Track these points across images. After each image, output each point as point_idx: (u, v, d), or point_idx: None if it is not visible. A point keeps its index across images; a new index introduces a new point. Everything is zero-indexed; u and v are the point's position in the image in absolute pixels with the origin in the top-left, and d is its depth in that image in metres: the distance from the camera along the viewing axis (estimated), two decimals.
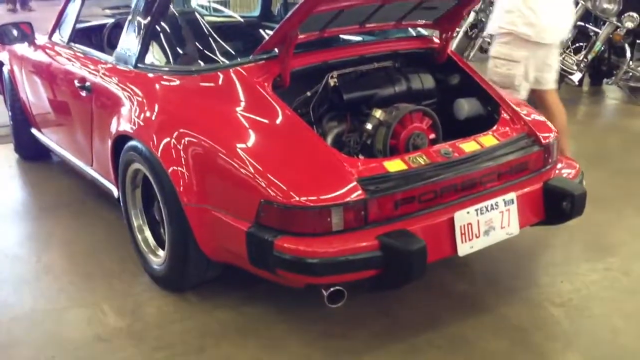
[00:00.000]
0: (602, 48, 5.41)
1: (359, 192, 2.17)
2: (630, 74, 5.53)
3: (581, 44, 5.45)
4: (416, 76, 2.80)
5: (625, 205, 3.45)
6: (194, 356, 2.34)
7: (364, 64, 2.77)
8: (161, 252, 2.72)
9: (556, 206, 2.53)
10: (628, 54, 5.44)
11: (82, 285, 2.82)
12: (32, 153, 4.34)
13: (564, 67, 5.26)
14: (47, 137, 3.96)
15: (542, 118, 2.79)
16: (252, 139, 2.40)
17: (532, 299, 2.63)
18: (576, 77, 5.35)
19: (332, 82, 2.64)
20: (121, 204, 2.91)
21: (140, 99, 2.77)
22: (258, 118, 2.44)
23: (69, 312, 2.62)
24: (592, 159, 3.98)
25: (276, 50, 2.54)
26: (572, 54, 5.35)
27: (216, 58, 2.84)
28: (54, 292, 2.78)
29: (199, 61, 2.83)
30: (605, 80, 5.83)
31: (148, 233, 2.82)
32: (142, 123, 2.66)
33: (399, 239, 2.14)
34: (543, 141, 2.61)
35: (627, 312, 2.56)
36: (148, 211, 2.82)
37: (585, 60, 5.35)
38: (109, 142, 2.87)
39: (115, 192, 2.98)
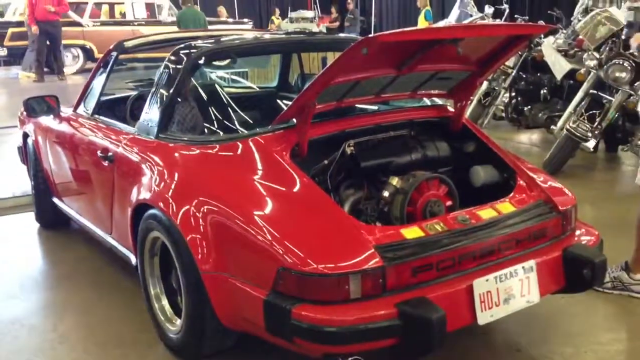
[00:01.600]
0: (616, 115, 5.45)
1: (377, 259, 2.17)
2: None
3: (595, 111, 5.50)
4: (432, 144, 2.84)
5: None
6: None
7: (380, 132, 2.82)
8: (178, 321, 2.70)
9: (577, 274, 2.50)
10: None
11: (97, 355, 2.79)
12: (52, 222, 4.40)
13: (578, 134, 5.29)
14: (67, 206, 4.02)
15: (558, 185, 2.80)
16: (270, 206, 2.42)
17: None
18: (591, 143, 5.36)
19: (349, 151, 2.68)
20: (139, 272, 2.92)
21: (160, 168, 2.83)
22: (276, 186, 2.48)
23: None
24: (610, 225, 3.94)
25: (294, 120, 2.60)
26: (586, 121, 5.39)
27: (235, 128, 2.91)
28: None
29: (219, 131, 2.90)
30: (620, 147, 5.85)
31: (165, 301, 2.82)
32: (161, 191, 2.71)
33: (418, 308, 2.12)
34: (560, 208, 2.61)
35: None
36: (165, 279, 2.83)
37: (600, 127, 5.38)
38: (129, 211, 2.91)
39: (134, 259, 3.00)
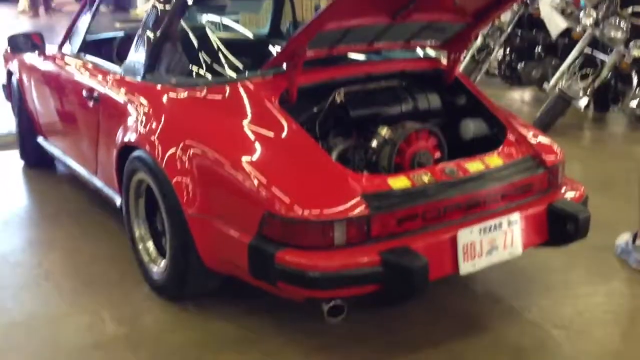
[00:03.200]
0: (609, 75, 5.43)
1: (363, 207, 2.17)
2: (637, 101, 5.54)
3: (588, 70, 5.47)
4: (423, 96, 2.81)
5: (628, 231, 3.42)
6: None
7: (372, 82, 2.78)
8: (162, 262, 2.71)
9: (560, 228, 2.52)
10: (635, 82, 5.44)
11: (82, 292, 2.81)
12: (37, 161, 4.36)
13: (570, 93, 5.27)
14: (52, 145, 3.98)
15: (547, 140, 2.80)
16: (257, 151, 2.41)
17: (534, 321, 2.61)
18: (582, 102, 5.35)
19: (339, 99, 2.65)
20: (123, 213, 2.91)
21: (147, 109, 2.79)
22: (264, 131, 2.45)
23: (67, 318, 2.61)
24: (596, 183, 3.97)
25: (284, 65, 2.55)
26: (579, 80, 5.36)
27: (224, 72, 2.86)
28: (54, 298, 2.78)
29: (207, 74, 2.85)
30: (611, 106, 5.84)
31: (150, 243, 2.82)
32: (148, 133, 2.68)
33: (401, 256, 2.13)
34: (548, 164, 2.62)
35: (629, 335, 2.54)
36: (150, 221, 2.82)
37: (592, 86, 5.36)
38: (115, 152, 2.89)
39: (118, 201, 2.99)
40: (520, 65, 6.48)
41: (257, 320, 2.57)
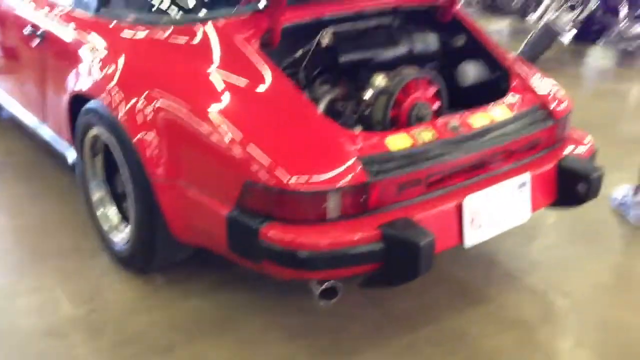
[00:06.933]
0: (597, 6, 5.15)
1: (360, 173, 1.87)
2: (621, 35, 5.28)
3: (574, 2, 5.16)
4: (420, 36, 2.47)
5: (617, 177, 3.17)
6: (161, 356, 2.03)
7: (362, 20, 2.42)
8: (126, 229, 2.38)
9: (571, 188, 2.28)
10: (622, 14, 5.17)
11: (32, 266, 2.46)
12: None
13: (557, 26, 4.96)
14: None
15: (554, 86, 2.51)
16: (236, 106, 2.05)
17: (535, 287, 2.40)
18: (567, 37, 5.07)
19: (326, 41, 2.29)
20: (77, 173, 2.54)
21: (101, 51, 2.39)
22: (243, 81, 2.09)
23: (16, 299, 2.27)
24: (581, 125, 3.73)
25: (263, 1, 2.16)
26: (566, 12, 5.06)
27: (193, 7, 2.44)
28: None
29: (173, 10, 2.43)
30: (596, 40, 5.57)
31: (111, 207, 2.47)
32: (102, 81, 2.29)
33: (405, 230, 1.86)
34: (556, 115, 2.34)
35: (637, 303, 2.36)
36: (110, 181, 2.47)
37: (580, 18, 5.07)
38: (65, 102, 2.49)
39: (70, 156, 2.61)
40: None
41: (233, 293, 2.30)
